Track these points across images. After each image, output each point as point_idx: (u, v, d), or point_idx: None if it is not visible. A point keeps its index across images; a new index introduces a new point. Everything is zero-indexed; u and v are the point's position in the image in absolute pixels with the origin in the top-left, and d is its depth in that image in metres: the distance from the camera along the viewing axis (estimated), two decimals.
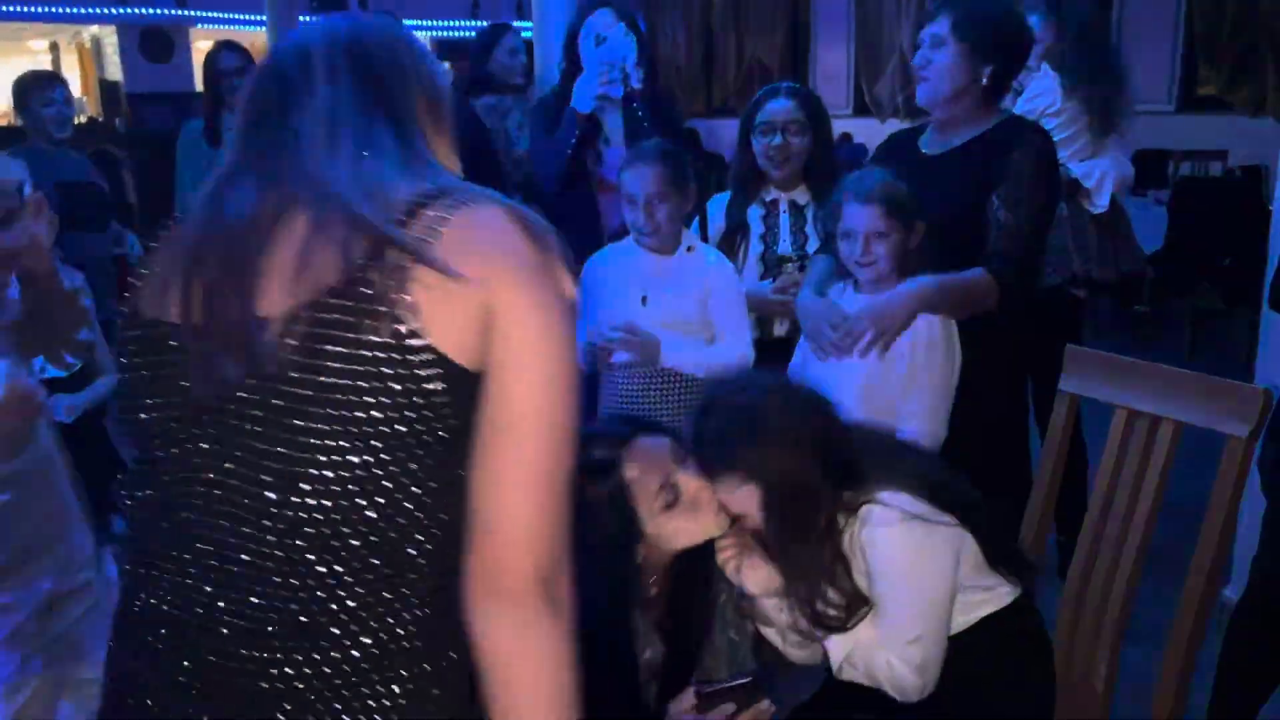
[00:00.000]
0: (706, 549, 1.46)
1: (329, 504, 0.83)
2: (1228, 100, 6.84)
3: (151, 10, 8.63)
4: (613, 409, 2.28)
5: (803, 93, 2.49)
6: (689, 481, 1.40)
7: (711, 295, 2.23)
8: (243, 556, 0.85)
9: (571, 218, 2.83)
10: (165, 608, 0.88)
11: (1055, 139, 2.68)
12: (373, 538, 0.84)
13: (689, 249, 2.27)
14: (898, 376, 1.91)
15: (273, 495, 0.84)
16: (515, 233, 0.87)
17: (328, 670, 0.84)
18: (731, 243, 2.49)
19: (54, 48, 11.73)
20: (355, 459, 0.83)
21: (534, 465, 0.85)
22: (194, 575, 0.87)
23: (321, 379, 0.83)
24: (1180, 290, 4.96)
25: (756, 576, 1.44)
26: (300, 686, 0.84)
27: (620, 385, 2.26)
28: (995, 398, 2.06)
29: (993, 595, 1.49)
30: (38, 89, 3.48)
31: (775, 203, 2.50)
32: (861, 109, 9.25)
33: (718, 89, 10.24)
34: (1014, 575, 1.51)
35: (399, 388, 0.82)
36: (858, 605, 1.40)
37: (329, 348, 0.83)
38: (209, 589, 0.86)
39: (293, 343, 0.83)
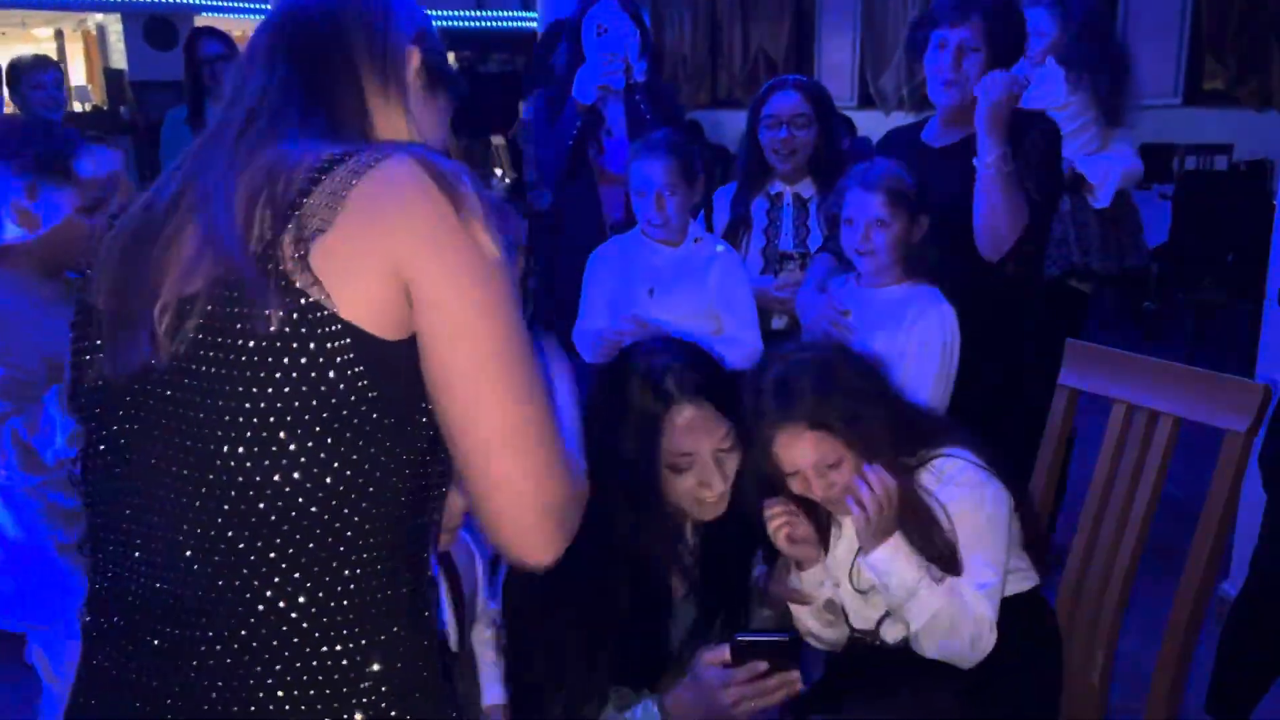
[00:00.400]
0: (743, 518, 1.49)
1: (244, 481, 0.83)
2: (1234, 94, 6.81)
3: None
4: None
5: (810, 86, 2.49)
6: (706, 469, 1.44)
7: (719, 286, 2.24)
8: (172, 535, 0.86)
9: (573, 209, 2.85)
10: (109, 584, 0.90)
11: (1062, 133, 2.70)
12: (293, 513, 0.83)
13: (696, 240, 2.28)
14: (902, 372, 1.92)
15: (193, 474, 0.84)
16: (424, 189, 0.83)
17: (256, 645, 0.84)
18: (735, 235, 2.50)
19: (59, 35, 11.73)
20: (269, 436, 0.82)
21: (502, 428, 0.84)
22: (131, 552, 0.89)
23: (230, 358, 0.82)
24: (1184, 284, 4.95)
25: (804, 548, 1.47)
26: (229, 662, 0.84)
27: None
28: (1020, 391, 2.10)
29: (1018, 576, 1.51)
30: (29, 72, 3.48)
31: (780, 195, 2.50)
32: (866, 101, 9.22)
33: (723, 80, 10.21)
34: (1037, 564, 1.55)
35: (305, 361, 0.81)
36: (941, 562, 1.42)
37: (234, 327, 0.82)
38: (144, 567, 0.88)
39: (196, 325, 0.84)
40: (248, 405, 0.82)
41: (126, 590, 0.89)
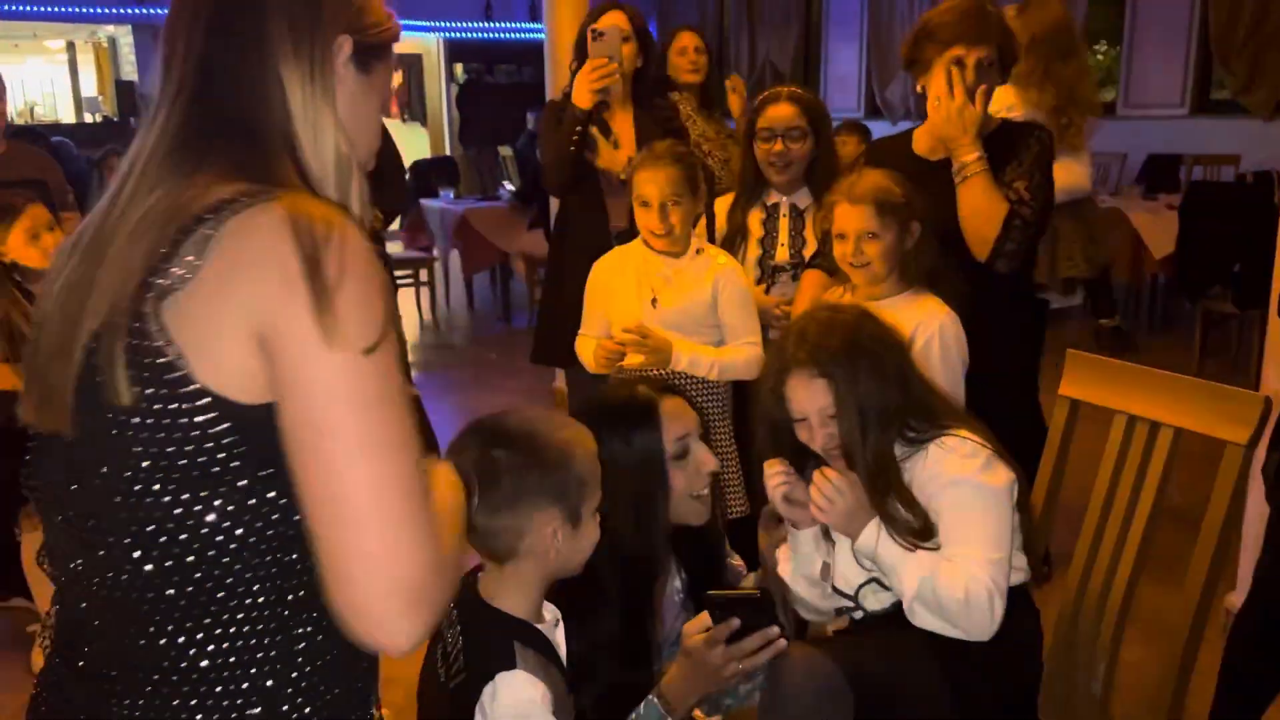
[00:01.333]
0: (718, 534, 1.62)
1: (124, 529, 0.82)
2: (1242, 104, 6.80)
3: (164, 10, 8.69)
4: None
5: (803, 98, 2.49)
6: (701, 451, 1.55)
7: (721, 296, 2.25)
8: (84, 568, 0.85)
9: (578, 218, 2.86)
10: (56, 603, 0.91)
11: None
12: (176, 562, 0.82)
13: (698, 250, 2.28)
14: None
15: (83, 511, 0.84)
16: (282, 247, 0.78)
17: (156, 680, 0.84)
18: (732, 245, 2.51)
19: (70, 47, 11.82)
20: (142, 489, 0.81)
21: (350, 498, 0.78)
22: (59, 577, 0.89)
23: (98, 416, 0.81)
24: (1191, 294, 4.94)
25: (799, 510, 1.56)
26: (134, 695, 0.84)
27: None
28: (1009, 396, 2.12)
29: (1015, 571, 1.53)
30: None
31: (777, 206, 2.51)
32: (873, 111, 9.23)
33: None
34: (1030, 563, 1.58)
35: (168, 423, 0.79)
36: (923, 534, 1.48)
37: (110, 386, 0.79)
38: (68, 593, 0.88)
39: (74, 375, 0.82)
40: (116, 460, 0.81)
41: (60, 612, 0.90)
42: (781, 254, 2.49)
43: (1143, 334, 5.79)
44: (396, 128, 6.83)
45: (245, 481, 0.81)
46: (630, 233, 2.43)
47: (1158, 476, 1.57)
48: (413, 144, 9.48)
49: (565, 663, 1.33)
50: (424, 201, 6.91)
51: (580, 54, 2.76)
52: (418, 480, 0.81)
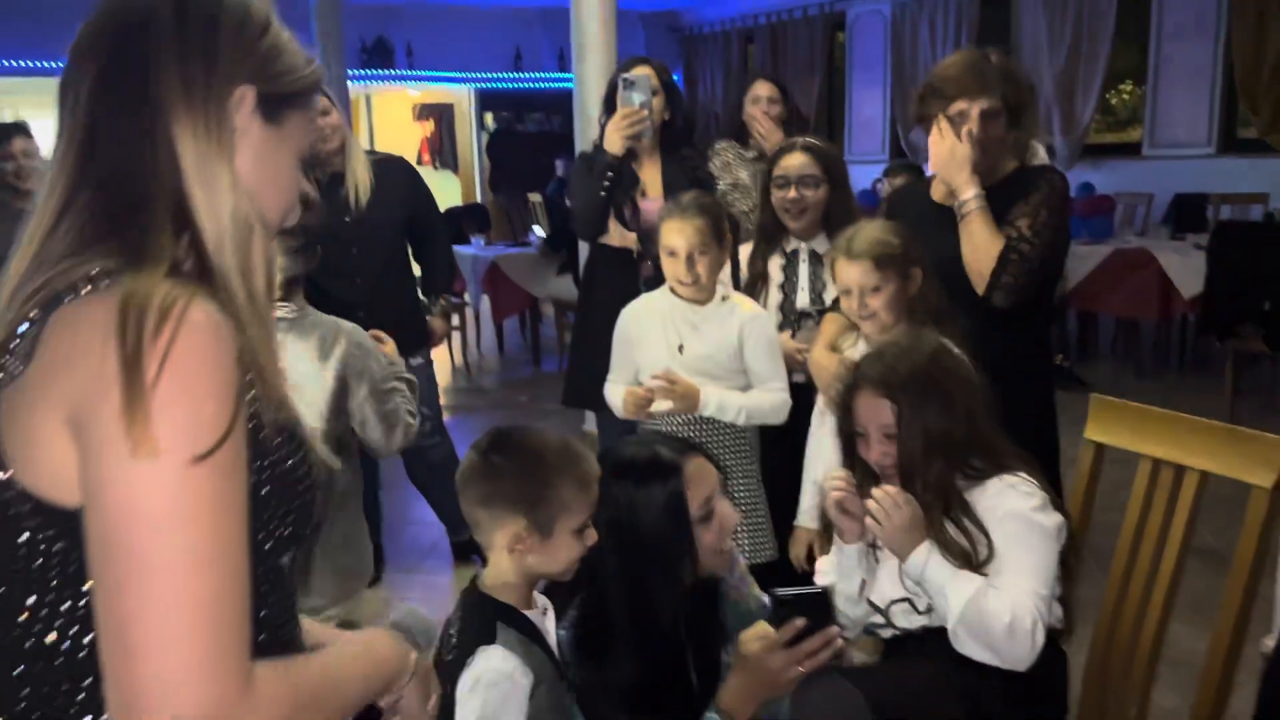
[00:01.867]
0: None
1: None
2: (1269, 143, 6.79)
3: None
4: None
5: (816, 147, 2.58)
6: (725, 507, 1.55)
7: (747, 343, 2.29)
8: None
9: (606, 265, 2.92)
10: None
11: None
12: (16, 676, 0.79)
13: (724, 298, 2.33)
14: None
15: None
16: (102, 341, 0.73)
17: None
18: (753, 291, 2.57)
19: None
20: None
21: (132, 627, 0.72)
22: None
23: None
24: (1220, 333, 4.92)
25: (850, 521, 1.60)
26: None
27: (657, 429, 2.31)
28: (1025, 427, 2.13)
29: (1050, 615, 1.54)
30: None
31: (796, 252, 2.57)
32: (898, 153, 9.31)
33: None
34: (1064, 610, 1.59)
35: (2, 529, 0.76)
36: (975, 561, 1.51)
37: None
38: None
39: None
40: None
41: None
42: (802, 299, 2.55)
43: (1173, 374, 5.76)
44: (428, 174, 6.94)
45: (70, 591, 0.77)
46: (658, 280, 2.48)
47: (1185, 519, 1.58)
48: (444, 191, 9.64)
49: (556, 649, 1.45)
50: (456, 248, 7.03)
51: (610, 105, 2.84)
52: (227, 607, 0.74)
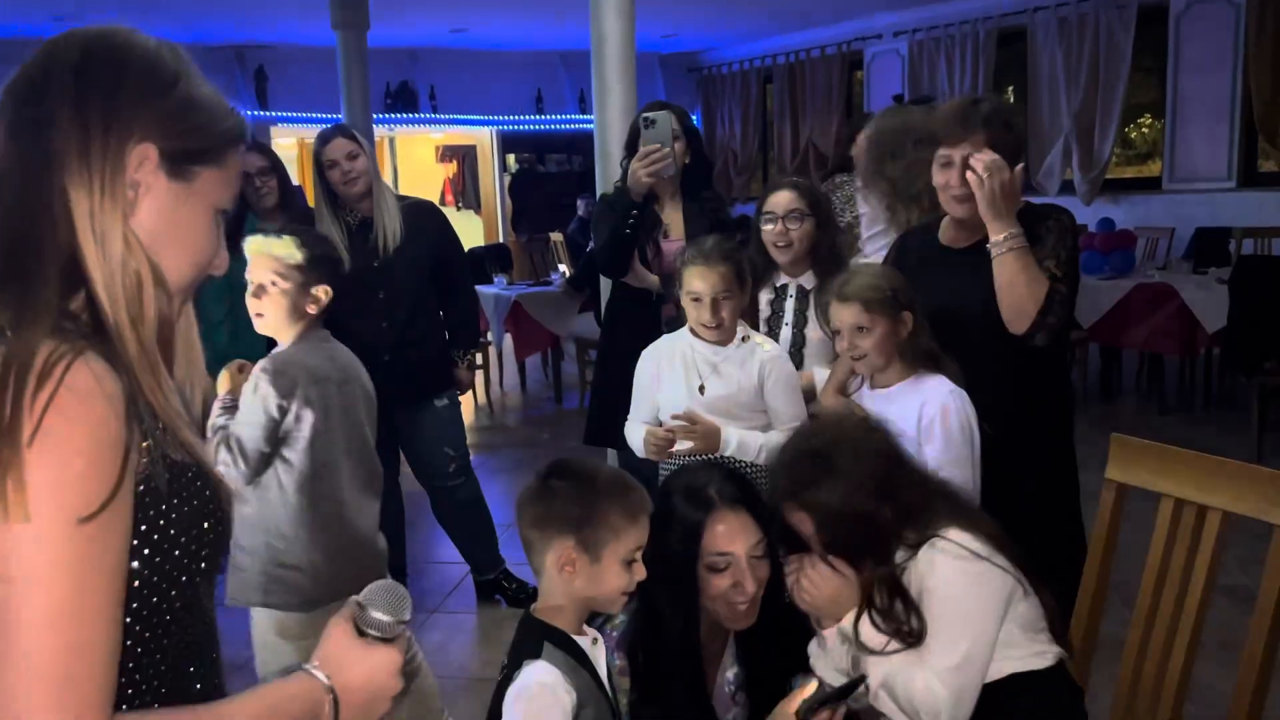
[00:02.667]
0: (780, 633, 1.66)
1: None
2: None
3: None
4: None
5: (802, 185, 2.68)
6: (747, 569, 1.61)
7: (767, 382, 2.31)
8: None
9: (628, 305, 2.96)
10: None
11: (868, 239, 2.98)
12: None
13: (744, 339, 2.36)
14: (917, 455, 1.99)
15: None
16: None
17: None
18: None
19: None
20: None
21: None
22: None
23: None
24: (1245, 368, 4.89)
25: (812, 595, 1.62)
26: None
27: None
28: (1045, 441, 2.16)
29: (1034, 657, 1.57)
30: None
31: (785, 287, 2.65)
32: None
33: (774, 174, 10.45)
34: (1058, 644, 1.60)
35: None
36: (905, 636, 1.52)
37: None
38: None
39: None
40: None
41: None
42: (785, 333, 2.62)
43: (1198, 410, 5.72)
44: (451, 215, 7.04)
45: None
46: (679, 320, 2.51)
47: (1208, 560, 1.58)
48: (467, 231, 9.76)
49: (606, 680, 1.49)
50: (479, 288, 7.12)
51: (632, 148, 2.90)
52: (82, 660, 0.77)
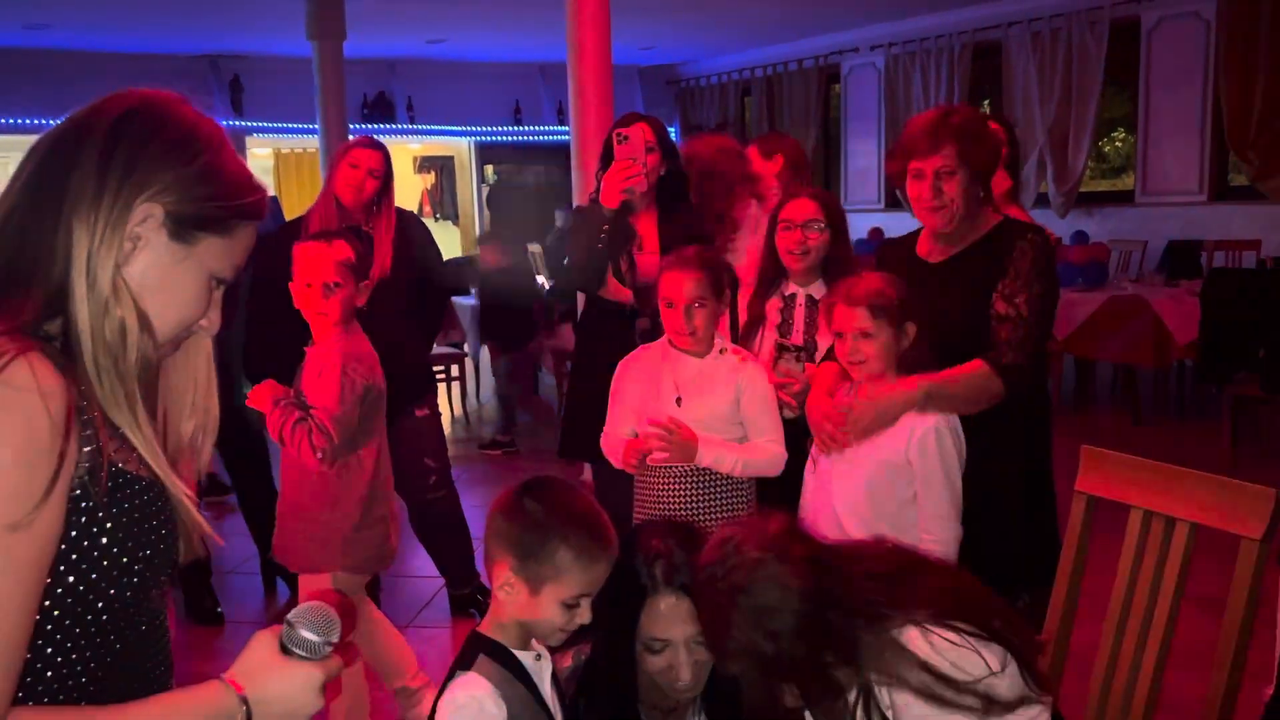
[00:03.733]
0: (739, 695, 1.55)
1: None
2: (1260, 190, 6.87)
3: None
4: (647, 508, 2.34)
5: (823, 195, 2.68)
6: (681, 658, 1.54)
7: (744, 396, 2.31)
8: None
9: (605, 315, 2.95)
10: None
11: None
12: None
13: (722, 351, 2.35)
14: (904, 480, 1.99)
15: None
16: None
17: None
18: (751, 333, 2.62)
19: None
20: None
21: None
22: None
23: None
24: (1216, 380, 4.94)
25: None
26: None
27: (655, 484, 2.33)
28: (1012, 479, 2.14)
29: None
30: None
31: (794, 296, 2.63)
32: (893, 203, 9.41)
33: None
34: (1045, 691, 1.49)
35: None
36: None
37: None
38: None
39: None
40: None
41: None
42: (795, 339, 2.60)
43: (1172, 421, 5.77)
44: (429, 225, 7.03)
45: None
46: (654, 334, 2.51)
47: (1177, 571, 1.59)
48: (444, 242, 9.73)
49: (549, 697, 1.48)
50: (456, 299, 7.09)
51: (606, 160, 2.90)
52: None
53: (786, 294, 2.63)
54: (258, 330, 3.32)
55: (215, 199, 0.96)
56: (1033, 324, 2.05)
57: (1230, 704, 1.52)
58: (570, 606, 1.42)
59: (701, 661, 1.55)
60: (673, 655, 1.55)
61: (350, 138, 7.88)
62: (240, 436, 3.55)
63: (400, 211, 3.37)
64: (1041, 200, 7.92)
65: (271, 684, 0.94)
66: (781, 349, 2.59)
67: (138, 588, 0.93)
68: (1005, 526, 2.08)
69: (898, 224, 8.96)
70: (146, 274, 0.94)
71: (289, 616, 0.98)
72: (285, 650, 0.96)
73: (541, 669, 1.48)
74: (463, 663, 1.43)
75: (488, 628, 1.48)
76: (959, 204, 2.12)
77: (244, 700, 0.92)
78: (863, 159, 9.57)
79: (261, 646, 0.96)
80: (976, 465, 2.03)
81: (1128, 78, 7.72)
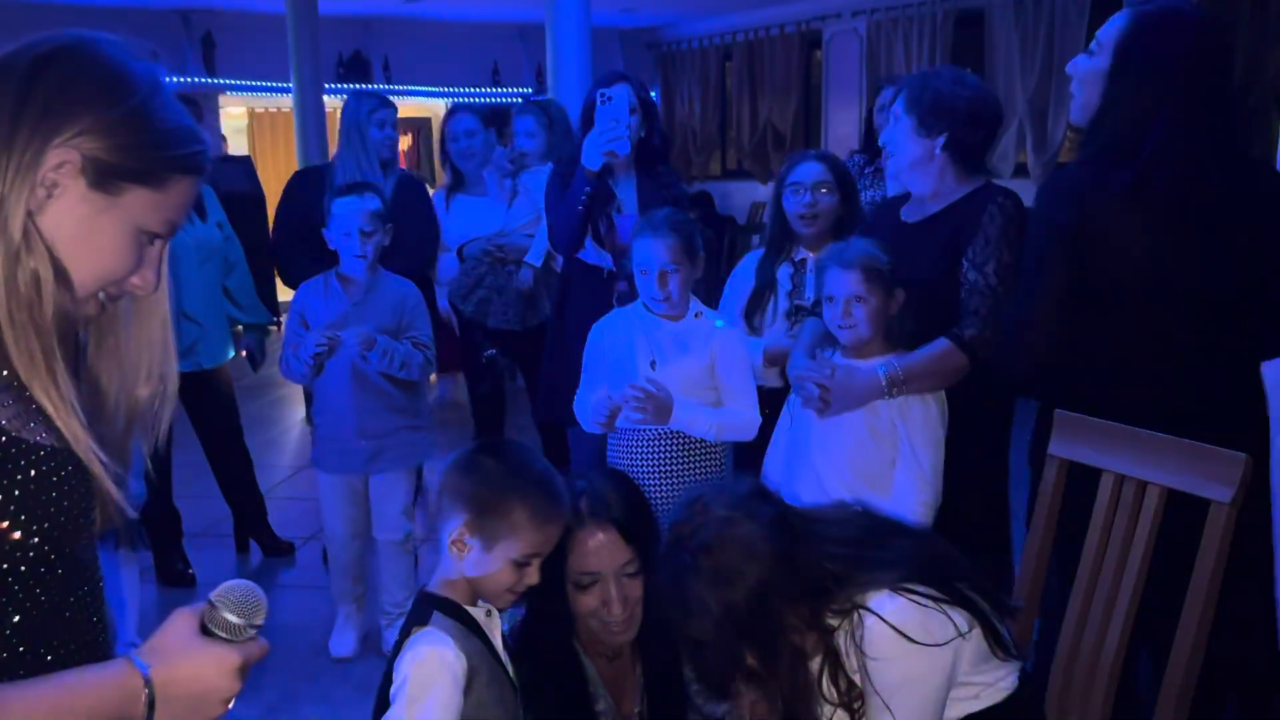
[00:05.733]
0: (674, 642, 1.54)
1: None
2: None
3: (182, 78, 8.91)
4: (619, 467, 2.34)
5: (831, 158, 2.67)
6: (613, 590, 1.58)
7: (719, 360, 2.30)
8: None
9: (582, 279, 2.93)
10: None
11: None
12: None
13: (697, 315, 2.34)
14: (888, 443, 1.99)
15: None
16: None
17: None
18: (760, 299, 2.60)
19: None
20: None
21: None
22: None
23: None
24: None
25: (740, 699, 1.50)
26: None
27: (627, 445, 2.32)
28: (977, 455, 2.13)
29: (990, 689, 1.50)
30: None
31: (804, 261, 2.60)
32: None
33: (732, 152, 10.42)
34: (1013, 655, 1.51)
35: None
36: (852, 701, 1.42)
37: None
38: None
39: None
40: None
41: None
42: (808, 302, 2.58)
43: None
44: None
45: None
46: (631, 296, 2.49)
47: (1148, 534, 1.60)
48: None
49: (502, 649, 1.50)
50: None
51: (588, 121, 2.86)
52: None
53: (796, 260, 2.61)
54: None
55: (143, 148, 0.91)
56: (1001, 294, 2.02)
57: (1195, 667, 1.53)
58: (520, 565, 1.44)
59: (633, 598, 1.58)
60: (603, 589, 1.57)
61: (325, 98, 7.76)
62: (211, 401, 3.52)
63: (404, 172, 3.60)
64: (1020, 170, 7.93)
65: (182, 665, 0.90)
66: (797, 309, 2.56)
67: (35, 561, 0.90)
68: (958, 494, 2.07)
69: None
70: (62, 223, 0.89)
71: (212, 596, 0.94)
72: (205, 631, 0.92)
73: (492, 624, 1.50)
74: (416, 619, 1.44)
75: (437, 586, 1.48)
76: (901, 151, 2.16)
77: (148, 681, 0.88)
78: (843, 127, 9.51)
79: (179, 624, 0.93)
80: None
81: None
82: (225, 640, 0.92)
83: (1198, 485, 1.55)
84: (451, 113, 3.92)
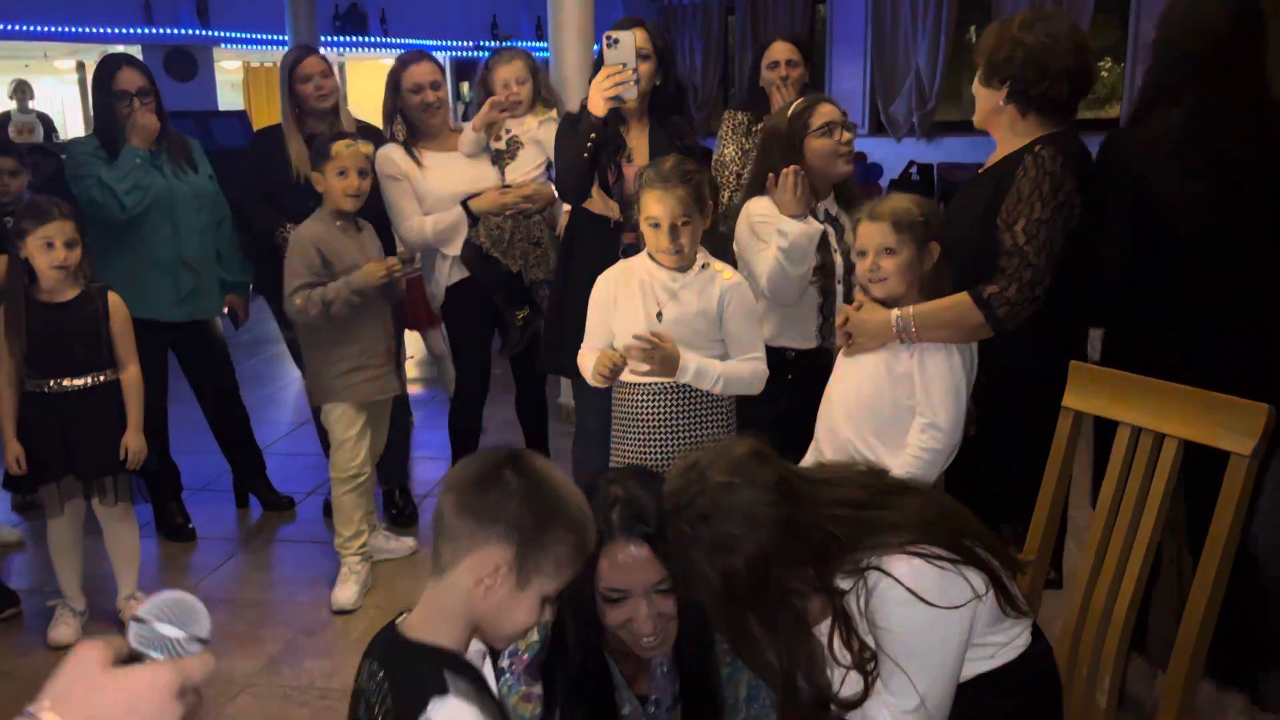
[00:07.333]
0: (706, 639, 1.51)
1: None
2: None
3: (176, 30, 8.77)
4: (624, 426, 2.31)
5: (833, 100, 2.61)
6: (641, 609, 1.44)
7: (727, 310, 2.26)
8: None
9: (587, 229, 2.87)
10: None
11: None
12: None
13: (704, 265, 2.29)
14: (905, 388, 1.96)
15: None
16: None
17: None
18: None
19: (80, 67, 11.93)
20: None
21: None
22: None
23: None
24: None
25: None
26: None
27: (633, 400, 2.28)
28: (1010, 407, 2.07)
29: (1005, 648, 1.48)
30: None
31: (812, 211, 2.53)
32: (877, 128, 9.29)
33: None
34: (1025, 613, 1.49)
35: None
36: (866, 663, 1.38)
37: None
38: None
39: None
40: None
41: None
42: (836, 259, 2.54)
43: None
44: None
45: None
46: (638, 247, 2.44)
47: (1163, 487, 1.57)
48: None
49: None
50: None
51: (598, 65, 2.78)
52: None
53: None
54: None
55: None
56: (1030, 253, 1.93)
57: (1210, 623, 1.51)
58: (548, 602, 1.24)
59: (665, 614, 1.45)
60: (633, 607, 1.44)
61: (321, 50, 7.63)
62: (207, 355, 3.49)
63: (367, 126, 3.49)
64: None
65: (93, 704, 0.73)
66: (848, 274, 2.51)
67: None
68: (1000, 455, 2.03)
69: (883, 149, 8.86)
70: None
71: (138, 612, 0.80)
72: (136, 656, 0.78)
73: (486, 668, 1.29)
74: (430, 685, 1.16)
75: (422, 630, 1.22)
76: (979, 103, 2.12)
77: None
78: (848, 82, 9.40)
79: (84, 658, 0.75)
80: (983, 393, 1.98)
81: (1117, 5, 7.59)
82: (159, 661, 0.78)
83: (1216, 437, 1.51)
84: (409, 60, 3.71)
